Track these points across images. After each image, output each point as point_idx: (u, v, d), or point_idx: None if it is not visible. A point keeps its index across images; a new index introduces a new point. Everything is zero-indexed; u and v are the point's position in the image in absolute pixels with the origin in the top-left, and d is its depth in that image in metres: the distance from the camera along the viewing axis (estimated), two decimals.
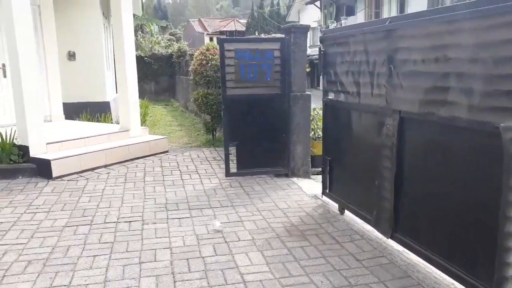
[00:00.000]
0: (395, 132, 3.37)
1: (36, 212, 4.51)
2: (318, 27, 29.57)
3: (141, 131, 7.73)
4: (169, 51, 22.04)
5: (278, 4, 54.65)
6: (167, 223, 4.22)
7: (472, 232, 2.68)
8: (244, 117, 5.78)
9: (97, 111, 9.60)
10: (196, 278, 3.11)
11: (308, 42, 8.21)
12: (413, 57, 3.14)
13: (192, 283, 3.04)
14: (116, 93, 10.49)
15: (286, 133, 5.83)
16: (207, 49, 8.56)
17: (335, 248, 3.63)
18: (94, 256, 3.47)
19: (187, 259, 3.41)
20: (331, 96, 4.58)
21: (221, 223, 4.15)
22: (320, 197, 4.94)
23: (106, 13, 11.59)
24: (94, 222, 4.23)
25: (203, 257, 3.45)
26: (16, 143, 6.07)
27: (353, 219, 4.28)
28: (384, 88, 3.51)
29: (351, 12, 27.40)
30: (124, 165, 6.55)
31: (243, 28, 46.80)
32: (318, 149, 6.32)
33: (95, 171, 6.18)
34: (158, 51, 22.75)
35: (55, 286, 3.00)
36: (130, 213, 4.51)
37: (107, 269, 3.24)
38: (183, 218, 4.36)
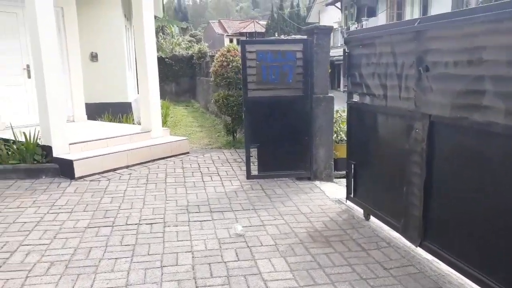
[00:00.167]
0: (425, 137, 3.25)
1: (59, 213, 4.53)
2: (339, 28, 29.32)
3: (162, 132, 7.74)
4: (190, 52, 22.16)
5: (298, 5, 54.47)
6: (188, 225, 4.18)
7: (508, 242, 2.55)
8: (265, 119, 5.71)
9: (118, 111, 9.68)
10: (218, 284, 3.05)
11: None
12: (445, 59, 3.02)
13: None
14: (138, 94, 10.57)
15: (308, 136, 5.73)
16: (228, 51, 8.52)
17: (361, 255, 3.53)
18: (115, 258, 3.45)
19: (209, 264, 3.36)
20: (356, 98, 4.47)
21: (243, 227, 4.09)
22: (344, 202, 4.84)
23: (128, 15, 11.69)
24: (115, 224, 4.22)
25: (225, 262, 3.39)
26: (40, 143, 6.13)
27: (379, 225, 4.16)
28: (412, 91, 3.39)
29: (372, 13, 27.11)
30: (146, 166, 6.55)
31: (263, 30, 46.73)
32: (340, 152, 6.22)
33: (117, 171, 6.20)
34: (179, 52, 22.89)
35: None
36: (151, 214, 4.49)
37: (128, 273, 3.21)
38: (204, 221, 4.32)
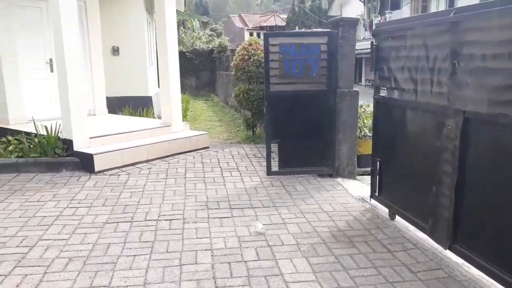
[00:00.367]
0: (458, 134, 3.07)
1: (78, 207, 4.50)
2: (361, 21, 28.81)
3: (182, 126, 7.68)
4: (210, 46, 22.10)
5: None
6: (208, 222, 4.10)
7: None
8: (287, 114, 5.57)
9: (139, 105, 9.68)
10: (238, 284, 2.95)
11: None
12: (482, 52, 2.83)
13: None
14: (158, 88, 10.54)
15: (331, 131, 5.57)
16: (250, 44, 8.38)
17: (387, 257, 3.37)
18: (134, 255, 3.38)
19: (229, 263, 3.26)
20: (383, 93, 4.29)
21: (263, 225, 3.97)
22: (368, 200, 4.67)
23: (150, 9, 11.66)
24: (134, 219, 4.16)
25: (245, 261, 3.29)
26: (61, 137, 6.14)
27: (405, 225, 3.99)
28: (445, 86, 3.20)
29: (396, 5, 26.53)
30: (165, 161, 6.50)
31: (283, 23, 46.31)
32: (364, 149, 6.03)
33: (136, 166, 6.16)
34: (199, 46, 22.87)
35: (94, 286, 2.92)
36: (171, 210, 4.42)
37: (147, 270, 3.14)
38: (224, 217, 4.22)
